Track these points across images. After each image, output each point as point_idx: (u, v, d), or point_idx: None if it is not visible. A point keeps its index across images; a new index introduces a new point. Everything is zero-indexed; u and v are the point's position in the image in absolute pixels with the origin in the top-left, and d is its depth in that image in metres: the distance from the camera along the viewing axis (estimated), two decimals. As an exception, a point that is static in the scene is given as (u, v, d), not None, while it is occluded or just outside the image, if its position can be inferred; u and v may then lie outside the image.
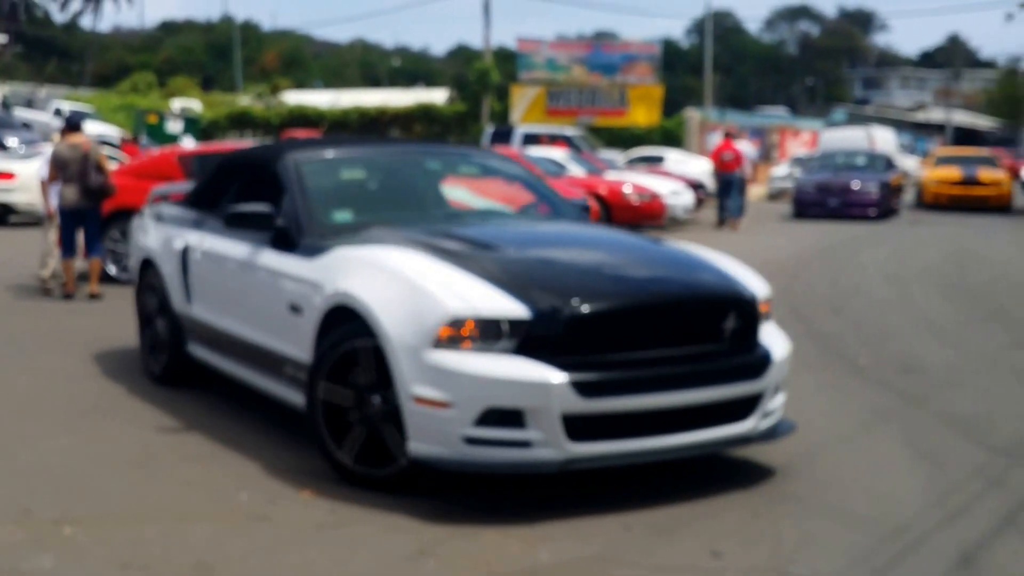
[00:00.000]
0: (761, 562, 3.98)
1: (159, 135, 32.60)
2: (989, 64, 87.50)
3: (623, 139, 39.47)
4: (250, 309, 5.76)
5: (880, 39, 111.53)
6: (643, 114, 40.36)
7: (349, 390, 4.75)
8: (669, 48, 71.77)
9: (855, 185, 23.19)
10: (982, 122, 67.36)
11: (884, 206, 23.20)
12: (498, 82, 42.06)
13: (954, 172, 26.45)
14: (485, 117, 40.63)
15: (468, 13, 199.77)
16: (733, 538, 4.21)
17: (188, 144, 25.15)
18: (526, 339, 4.38)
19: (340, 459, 4.79)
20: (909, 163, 37.65)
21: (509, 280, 4.60)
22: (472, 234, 5.33)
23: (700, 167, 27.73)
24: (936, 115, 68.60)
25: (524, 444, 4.33)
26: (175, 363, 6.70)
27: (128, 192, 11.30)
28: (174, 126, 34.41)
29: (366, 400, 4.69)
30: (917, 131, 62.77)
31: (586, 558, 4.02)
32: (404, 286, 4.61)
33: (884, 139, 35.60)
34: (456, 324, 4.38)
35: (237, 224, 5.64)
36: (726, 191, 20.71)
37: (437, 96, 47.35)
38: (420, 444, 4.45)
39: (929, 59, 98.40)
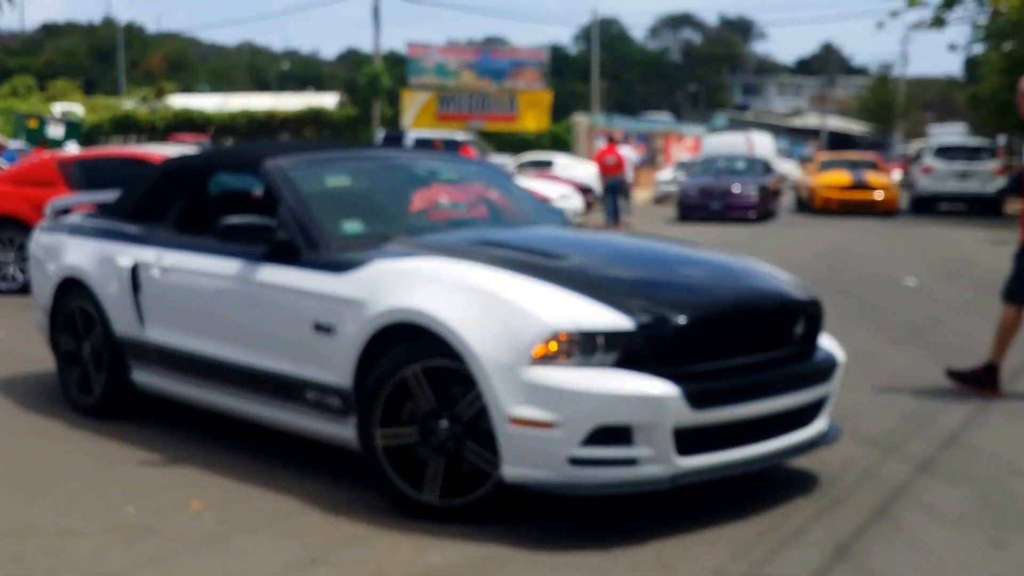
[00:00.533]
0: (649, 558, 4.04)
1: (40, 140, 31.63)
2: (861, 71, 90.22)
3: (513, 144, 39.70)
4: (246, 330, 5.17)
5: (759, 47, 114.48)
6: (532, 119, 40.63)
7: (412, 427, 4.39)
8: (557, 54, 72.47)
9: (735, 189, 23.71)
10: (855, 127, 69.47)
11: (763, 209, 23.78)
12: (389, 87, 41.89)
13: (843, 177, 26.25)
14: (376, 122, 40.42)
15: (358, 17, 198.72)
16: (622, 534, 4.25)
17: (72, 149, 24.44)
18: (625, 352, 4.14)
19: (426, 500, 4.36)
20: (787, 167, 38.62)
21: (597, 290, 4.33)
22: (521, 242, 5.07)
23: (588, 171, 28.03)
24: (812, 120, 70.54)
25: (631, 462, 4.10)
26: (115, 394, 5.99)
27: (5, 199, 10.95)
28: (55, 131, 33.37)
29: (433, 429, 4.35)
30: (794, 136, 64.47)
31: (478, 559, 4.02)
32: (489, 300, 4.26)
33: (762, 144, 36.46)
34: (555, 339, 4.09)
35: (231, 237, 5.14)
36: (611, 195, 21.01)
37: (327, 100, 46.98)
38: (518, 468, 4.12)
39: (805, 67, 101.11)
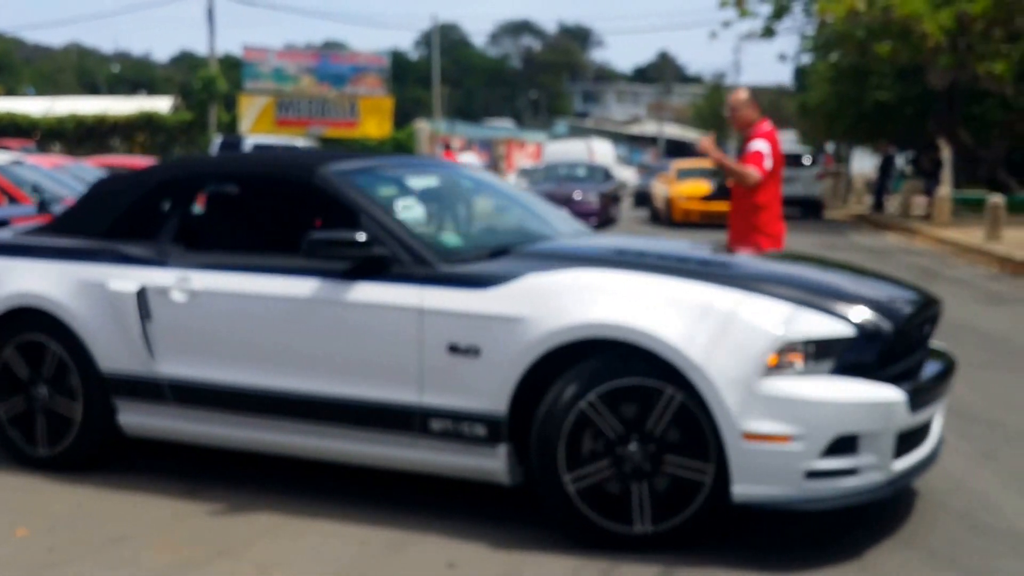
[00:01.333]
0: (495, 571, 3.95)
1: None
2: (696, 79, 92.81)
3: (355, 151, 39.27)
4: (331, 358, 4.59)
5: (598, 55, 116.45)
6: (374, 125, 40.28)
7: (602, 460, 4.09)
8: (398, 60, 72.08)
9: (577, 195, 23.92)
10: (692, 134, 71.31)
11: (604, 215, 24.06)
12: (225, 91, 40.90)
13: (703, 187, 24.35)
14: (213, 127, 39.39)
15: (192, 18, 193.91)
16: (469, 550, 4.15)
17: None
18: (840, 359, 4.03)
19: (637, 532, 4.09)
20: (626, 174, 39.34)
21: (800, 298, 4.17)
22: (657, 250, 4.97)
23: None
24: (649, 128, 72.16)
25: (853, 471, 3.98)
26: (91, 441, 5.12)
27: None
28: None
29: (625, 456, 4.08)
30: (632, 143, 65.85)
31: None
32: (703, 312, 4.05)
33: (602, 151, 37.10)
34: (786, 348, 3.95)
35: (316, 254, 4.56)
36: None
37: (161, 104, 45.47)
38: (751, 486, 3.92)
39: (642, 75, 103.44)
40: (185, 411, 4.92)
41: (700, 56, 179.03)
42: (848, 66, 24.69)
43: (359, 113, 39.81)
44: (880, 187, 27.47)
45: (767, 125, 7.09)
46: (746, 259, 5.36)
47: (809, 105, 33.97)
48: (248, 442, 4.85)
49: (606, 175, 26.81)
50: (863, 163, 46.40)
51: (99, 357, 5.06)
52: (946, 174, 22.95)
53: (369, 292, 4.53)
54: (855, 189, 33.51)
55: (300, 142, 30.26)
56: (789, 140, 52.33)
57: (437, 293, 4.41)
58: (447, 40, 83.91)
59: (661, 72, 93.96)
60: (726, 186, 7.39)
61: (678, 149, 65.43)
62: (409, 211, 5.31)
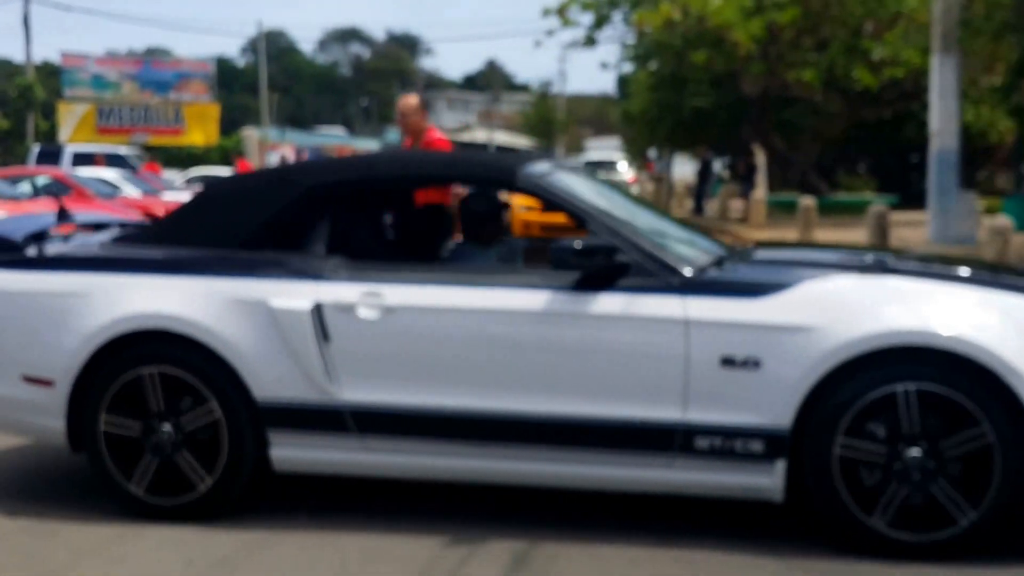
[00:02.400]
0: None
1: None
2: (524, 88, 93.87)
3: (181, 158, 38.22)
4: (575, 375, 4.20)
5: (427, 63, 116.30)
6: (200, 133, 39.32)
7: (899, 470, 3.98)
8: (224, 66, 70.47)
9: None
10: (520, 141, 72.08)
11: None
12: (43, 99, 39.23)
13: None
14: (31, 135, 37.70)
15: (7, 25, 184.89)
16: (292, 569, 4.06)
17: None
18: None
19: (947, 534, 3.99)
20: (458, 180, 39.36)
21: None
22: (876, 258, 4.78)
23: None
24: (480, 135, 72.47)
25: None
26: (238, 480, 4.46)
27: None
28: None
29: (916, 463, 3.97)
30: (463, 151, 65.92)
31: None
32: (1005, 315, 4.02)
33: (434, 157, 36.99)
34: None
35: (566, 264, 4.18)
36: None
37: (-26, 113, 43.25)
38: None
39: (472, 83, 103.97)
40: (368, 441, 4.38)
41: (528, 64, 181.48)
42: (666, 74, 25.38)
43: (184, 120, 38.79)
44: (700, 191, 28.32)
45: (439, 133, 7.15)
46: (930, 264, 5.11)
47: (631, 112, 34.75)
48: (452, 471, 4.41)
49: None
50: (684, 168, 47.78)
51: (254, 385, 4.39)
52: (760, 178, 23.83)
53: (617, 304, 4.18)
54: (676, 194, 34.48)
55: (123, 150, 29.22)
56: (611, 146, 53.58)
57: (704, 303, 4.12)
58: (275, 47, 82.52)
59: (490, 80, 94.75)
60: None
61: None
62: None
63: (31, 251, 4.84)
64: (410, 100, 7.14)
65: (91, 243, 5.06)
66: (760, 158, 24.39)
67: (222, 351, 4.40)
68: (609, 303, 4.18)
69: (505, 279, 4.40)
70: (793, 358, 4.01)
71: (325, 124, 78.48)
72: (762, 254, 4.82)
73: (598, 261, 4.18)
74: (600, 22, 23.59)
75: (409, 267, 4.61)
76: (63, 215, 5.45)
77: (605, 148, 56.80)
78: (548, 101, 69.31)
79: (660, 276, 4.20)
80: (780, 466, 4.05)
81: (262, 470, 4.49)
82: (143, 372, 4.45)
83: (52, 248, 4.92)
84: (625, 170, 39.13)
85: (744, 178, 26.43)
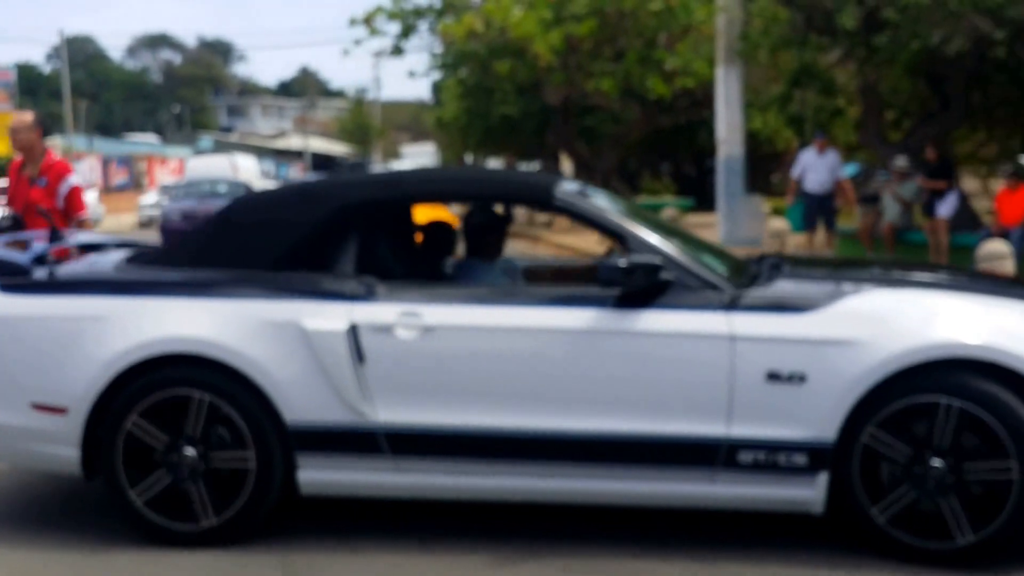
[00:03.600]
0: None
1: None
2: (340, 94, 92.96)
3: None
4: (619, 393, 4.21)
5: (241, 69, 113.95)
6: (1, 142, 37.34)
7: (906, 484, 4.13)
8: (28, 73, 67.25)
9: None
10: (337, 148, 71.38)
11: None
12: None
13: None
14: None
15: None
16: None
17: None
18: None
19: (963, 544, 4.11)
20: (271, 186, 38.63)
21: None
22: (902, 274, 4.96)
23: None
24: (295, 142, 71.43)
25: None
26: (264, 505, 4.40)
27: None
28: None
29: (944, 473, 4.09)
30: (279, 157, 64.92)
31: None
32: None
33: (246, 166, 36.33)
34: None
35: (614, 282, 4.19)
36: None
37: None
38: None
39: (287, 89, 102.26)
40: (402, 462, 4.33)
41: (343, 71, 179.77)
42: (474, 83, 25.52)
43: (-19, 130, 36.77)
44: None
45: (57, 156, 6.99)
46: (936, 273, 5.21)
47: (444, 119, 34.83)
48: (491, 491, 4.36)
49: (247, 191, 26.27)
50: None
51: (284, 408, 4.30)
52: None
53: (663, 321, 4.21)
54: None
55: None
56: (428, 152, 53.53)
57: (749, 319, 4.16)
58: (82, 53, 79.31)
59: (304, 87, 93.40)
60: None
61: (324, 163, 65.21)
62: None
63: (39, 274, 4.62)
64: (24, 117, 6.86)
65: (104, 265, 4.87)
66: (566, 164, 24.83)
67: (252, 374, 4.29)
68: (654, 320, 4.21)
69: (545, 296, 4.36)
70: (839, 372, 4.08)
71: (136, 131, 75.80)
72: (794, 270, 4.81)
73: (640, 278, 4.18)
74: (407, 32, 23.57)
75: (446, 286, 4.63)
76: (55, 236, 5.12)
77: (421, 154, 56.76)
78: (364, 107, 68.81)
79: (702, 293, 4.24)
80: (823, 479, 4.14)
81: (291, 491, 4.42)
82: (171, 395, 4.34)
83: (63, 271, 4.70)
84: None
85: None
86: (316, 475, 4.38)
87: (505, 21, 20.47)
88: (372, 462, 4.34)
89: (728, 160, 17.23)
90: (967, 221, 13.59)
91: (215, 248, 4.68)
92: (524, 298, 4.38)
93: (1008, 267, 9.45)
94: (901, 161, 13.29)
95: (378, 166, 49.92)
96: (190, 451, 4.35)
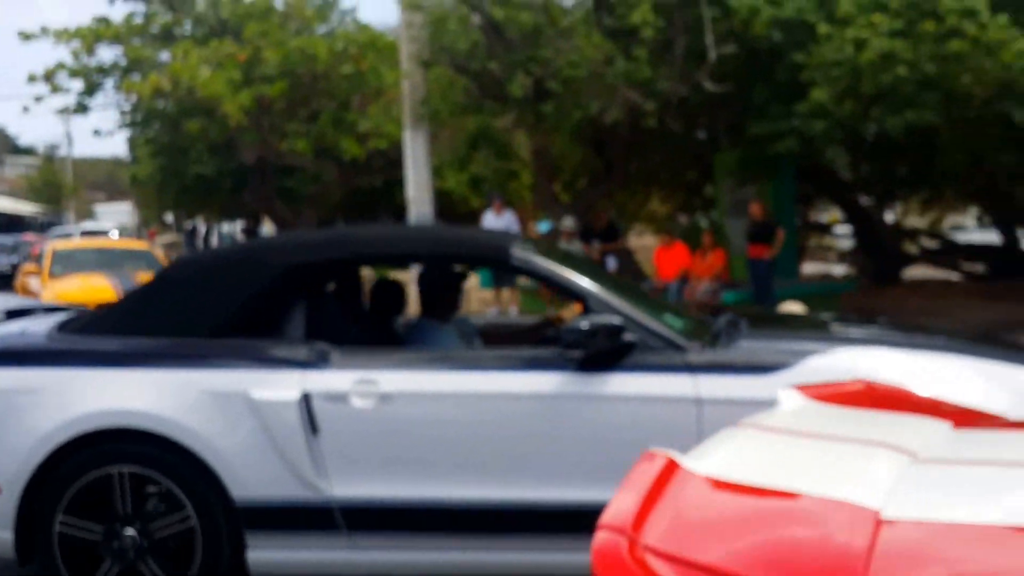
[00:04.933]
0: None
1: None
2: (29, 151, 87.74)
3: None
4: (591, 457, 3.99)
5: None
6: None
7: None
8: None
9: None
10: (25, 207, 67.26)
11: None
12: None
13: (105, 285, 13.37)
14: None
15: None
16: None
17: None
18: None
19: None
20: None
21: None
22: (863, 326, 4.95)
23: None
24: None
25: None
26: None
27: None
28: None
29: None
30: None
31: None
32: (1015, 390, 3.93)
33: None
34: None
35: (577, 344, 3.99)
36: None
37: None
38: None
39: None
40: (358, 538, 4.06)
41: (32, 127, 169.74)
42: (166, 141, 24.97)
43: None
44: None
45: None
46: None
47: (140, 177, 33.77)
48: (452, 566, 4.09)
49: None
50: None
51: (232, 484, 4.00)
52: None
53: (628, 384, 4.04)
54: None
55: None
56: (124, 211, 51.48)
57: (716, 381, 4.00)
58: None
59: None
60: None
61: (13, 223, 61.27)
62: None
63: None
64: None
65: (35, 333, 4.55)
66: (267, 225, 24.67)
67: (197, 448, 4.03)
68: (619, 383, 4.07)
69: (506, 360, 4.19)
70: None
71: None
72: (752, 328, 4.67)
73: (603, 340, 4.04)
74: (91, 89, 22.79)
75: (402, 349, 4.45)
76: None
77: (117, 213, 54.53)
78: (54, 164, 65.36)
79: (666, 353, 4.11)
80: None
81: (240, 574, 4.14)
82: (108, 472, 4.07)
83: None
84: (118, 239, 37.93)
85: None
86: (267, 555, 4.14)
87: (193, 80, 20.21)
88: (327, 540, 4.11)
89: (419, 219, 17.72)
90: (632, 275, 14.67)
91: (152, 314, 4.44)
92: (485, 362, 4.21)
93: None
94: (568, 221, 14.20)
95: (71, 226, 47.47)
96: (132, 534, 4.12)
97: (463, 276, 5.37)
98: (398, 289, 5.38)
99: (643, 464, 2.32)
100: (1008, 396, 3.89)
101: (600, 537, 2.06)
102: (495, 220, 15.06)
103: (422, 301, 5.15)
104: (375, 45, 20.13)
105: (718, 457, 2.45)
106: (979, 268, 18.91)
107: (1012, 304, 14.34)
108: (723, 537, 2.02)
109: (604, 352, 4.09)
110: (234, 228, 31.58)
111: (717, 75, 12.48)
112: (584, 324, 4.05)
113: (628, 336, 4.12)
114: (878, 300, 15.29)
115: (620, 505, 2.12)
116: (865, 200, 18.91)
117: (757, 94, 13.02)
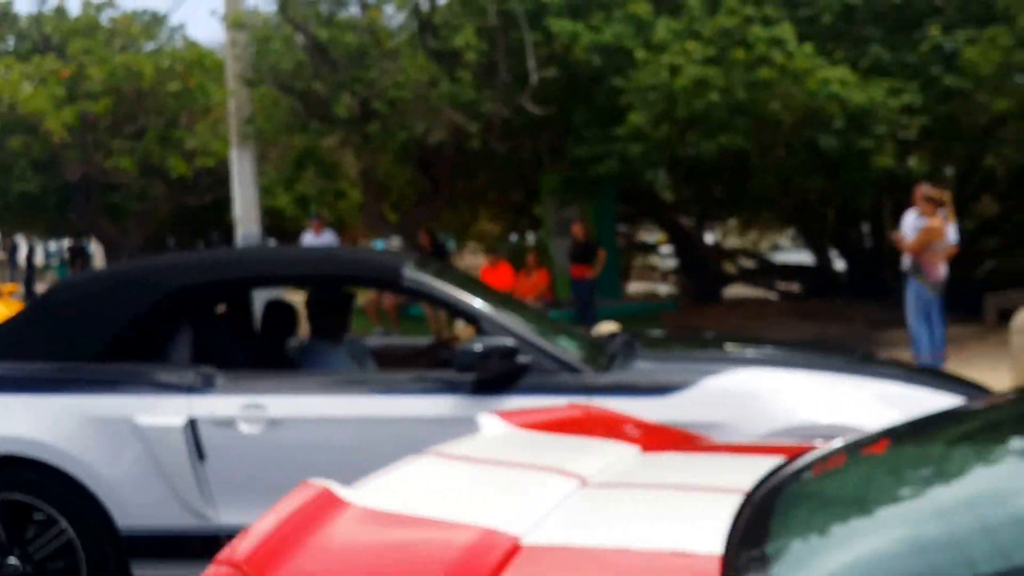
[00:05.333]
0: None
1: None
2: None
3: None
4: None
5: None
6: None
7: None
8: None
9: None
10: None
11: None
12: None
13: None
14: None
15: None
16: None
17: None
18: None
19: None
20: None
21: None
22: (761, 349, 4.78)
23: None
24: None
25: None
26: None
27: None
28: None
29: None
30: None
31: None
32: (888, 403, 3.91)
33: None
34: None
35: (471, 367, 3.94)
36: None
37: None
38: None
39: None
40: None
41: None
42: None
43: None
44: (28, 276, 26.98)
45: None
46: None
47: (-44, 195, 32.00)
48: None
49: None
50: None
51: (117, 512, 3.89)
52: (98, 262, 23.19)
53: (522, 406, 3.78)
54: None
55: None
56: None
57: (611, 403, 3.80)
58: None
59: None
60: None
61: None
62: None
63: None
64: None
65: None
66: (94, 242, 23.74)
67: (80, 476, 3.89)
68: (513, 406, 3.86)
69: (398, 383, 4.08)
70: None
71: None
72: (648, 349, 4.57)
73: (496, 363, 3.95)
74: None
75: (291, 373, 4.32)
76: None
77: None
78: None
79: (561, 376, 4.01)
80: None
81: None
82: None
83: None
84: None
85: (71, 262, 25.67)
86: None
87: (14, 96, 19.31)
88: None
89: (246, 239, 17.24)
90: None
91: (34, 339, 4.26)
92: (377, 385, 4.10)
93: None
94: (395, 242, 14.05)
95: None
96: (15, 563, 3.94)
97: (352, 297, 5.28)
98: (290, 311, 5.25)
99: (292, 495, 2.23)
100: (898, 414, 3.83)
101: (210, 573, 1.96)
102: (314, 240, 14.81)
103: (312, 323, 5.04)
104: (202, 63, 19.65)
105: (379, 486, 2.39)
106: (794, 287, 19.55)
107: (824, 321, 14.87)
108: (353, 568, 1.95)
109: (498, 375, 4.01)
110: (61, 246, 30.27)
111: (539, 98, 12.55)
112: (478, 346, 3.98)
113: (522, 358, 4.04)
114: (699, 319, 15.62)
115: (247, 539, 2.02)
116: (686, 221, 19.34)
117: (578, 117, 13.15)
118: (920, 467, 2.03)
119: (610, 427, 2.94)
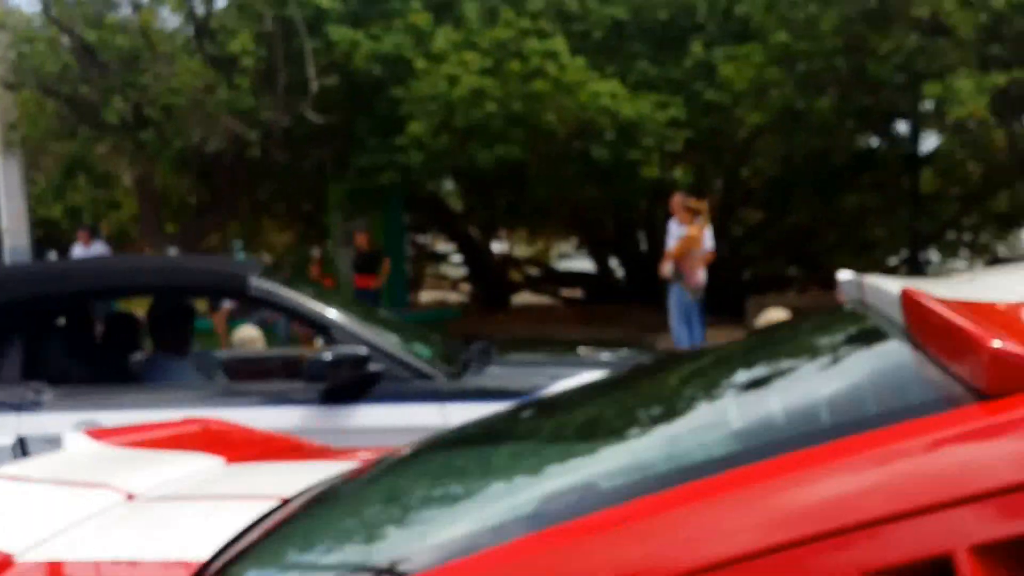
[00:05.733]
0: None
1: None
2: None
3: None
4: None
5: None
6: None
7: None
8: None
9: None
10: None
11: None
12: None
13: None
14: None
15: None
16: None
17: None
18: None
19: None
20: None
21: None
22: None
23: None
24: None
25: None
26: None
27: None
28: None
29: None
30: None
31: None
32: None
33: None
34: None
35: (320, 376, 3.76)
36: None
37: None
38: None
39: None
40: None
41: None
42: None
43: None
44: None
45: None
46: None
47: None
48: None
49: None
50: None
51: None
52: None
53: (373, 415, 3.88)
54: None
55: None
56: None
57: (464, 409, 3.69)
58: None
59: None
60: None
61: None
62: None
63: None
64: None
65: None
66: None
67: None
68: (363, 415, 3.90)
69: (243, 395, 3.99)
70: None
71: None
72: (503, 355, 4.49)
73: (347, 371, 3.85)
74: None
75: (129, 388, 4.17)
76: None
77: None
78: None
79: (414, 383, 3.96)
80: None
81: None
82: None
83: None
84: None
85: None
86: None
87: None
88: None
89: (14, 251, 16.27)
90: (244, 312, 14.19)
91: None
92: (220, 399, 3.95)
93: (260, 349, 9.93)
94: (173, 253, 13.52)
95: None
96: None
97: (193, 308, 5.16)
98: (132, 323, 5.11)
99: None
100: None
101: None
102: (83, 253, 14.12)
103: (155, 335, 4.86)
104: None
105: None
106: (577, 293, 19.99)
107: (603, 325, 15.26)
108: None
109: (348, 383, 3.96)
110: None
111: (320, 106, 12.36)
112: (327, 355, 3.93)
113: (374, 366, 3.99)
114: (485, 326, 15.74)
115: None
116: (474, 231, 19.49)
117: (359, 126, 13.05)
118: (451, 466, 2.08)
119: (212, 441, 2.81)
